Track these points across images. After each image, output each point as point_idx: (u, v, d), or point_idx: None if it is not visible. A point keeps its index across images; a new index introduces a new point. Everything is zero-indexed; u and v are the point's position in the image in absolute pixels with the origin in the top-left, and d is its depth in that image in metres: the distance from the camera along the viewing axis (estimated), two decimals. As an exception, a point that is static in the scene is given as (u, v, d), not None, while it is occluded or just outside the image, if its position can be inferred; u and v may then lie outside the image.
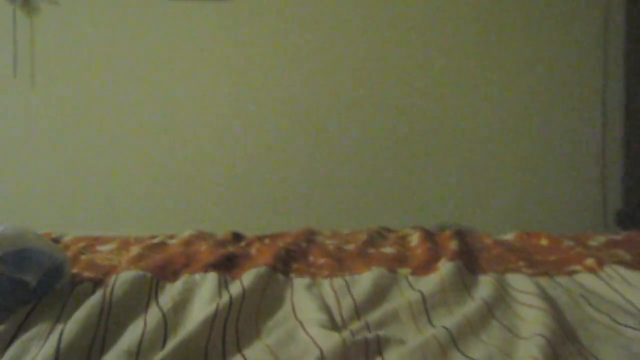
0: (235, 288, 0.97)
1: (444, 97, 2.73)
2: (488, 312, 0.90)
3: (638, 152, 2.52)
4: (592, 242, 1.35)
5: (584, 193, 2.71)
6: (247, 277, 1.01)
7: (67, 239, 1.41)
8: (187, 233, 1.41)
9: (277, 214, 2.74)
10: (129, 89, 2.76)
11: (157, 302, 0.96)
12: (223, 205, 2.76)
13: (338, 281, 1.03)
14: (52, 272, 1.01)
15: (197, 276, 1.05)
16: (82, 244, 1.33)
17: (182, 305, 0.95)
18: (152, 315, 0.91)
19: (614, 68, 2.69)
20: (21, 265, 0.96)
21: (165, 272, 1.07)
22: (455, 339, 0.81)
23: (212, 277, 1.04)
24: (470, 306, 0.92)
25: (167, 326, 0.88)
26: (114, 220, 2.61)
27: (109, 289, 0.97)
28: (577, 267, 1.14)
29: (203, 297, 0.97)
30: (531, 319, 0.88)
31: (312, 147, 2.75)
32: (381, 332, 0.83)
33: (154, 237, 1.39)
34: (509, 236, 1.45)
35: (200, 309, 0.93)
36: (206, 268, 1.07)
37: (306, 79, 2.76)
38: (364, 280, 1.02)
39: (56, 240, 1.39)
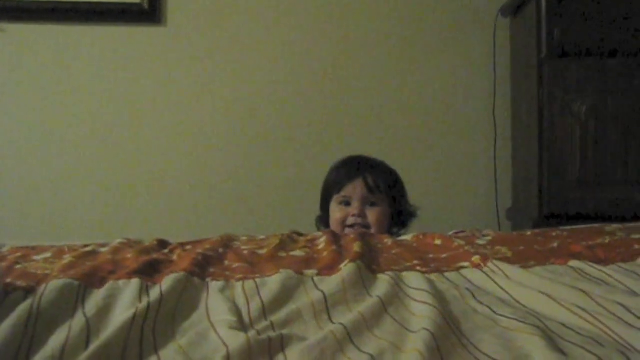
0: (154, 293, 0.94)
1: (358, 99, 2.79)
2: (382, 308, 0.89)
3: (523, 157, 2.58)
4: (480, 241, 1.36)
5: (480, 194, 2.77)
6: (166, 282, 0.97)
7: (4, 249, 1.34)
8: (117, 241, 1.37)
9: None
10: (73, 108, 2.73)
11: (83, 309, 0.92)
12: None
13: (249, 283, 1.00)
14: (-17, 285, 0.96)
15: (121, 282, 1.00)
16: (18, 254, 1.27)
17: (105, 310, 0.91)
18: (77, 321, 0.87)
19: (502, 83, 2.75)
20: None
21: (92, 280, 1.02)
22: (350, 335, 0.79)
23: (134, 283, 0.99)
24: (367, 303, 0.91)
25: (90, 331, 0.84)
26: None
27: (37, 297, 0.92)
28: (465, 264, 1.15)
29: (125, 302, 0.93)
30: (420, 314, 0.87)
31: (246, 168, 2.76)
32: (285, 331, 0.81)
33: (86, 246, 1.34)
34: (407, 237, 1.46)
35: (121, 314, 0.89)
36: (130, 274, 1.03)
37: (238, 100, 2.75)
38: (273, 282, 0.99)
39: (-5, 251, 1.33)
